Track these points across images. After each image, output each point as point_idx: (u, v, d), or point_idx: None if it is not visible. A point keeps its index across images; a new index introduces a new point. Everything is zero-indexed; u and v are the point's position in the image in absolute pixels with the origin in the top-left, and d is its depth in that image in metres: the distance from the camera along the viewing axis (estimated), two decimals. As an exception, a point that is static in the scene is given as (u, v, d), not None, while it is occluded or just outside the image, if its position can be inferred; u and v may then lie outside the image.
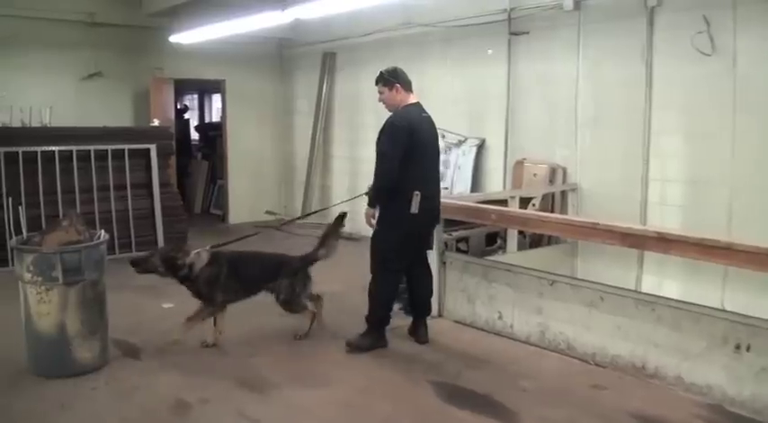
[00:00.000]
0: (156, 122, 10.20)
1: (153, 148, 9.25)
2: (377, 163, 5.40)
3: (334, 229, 6.02)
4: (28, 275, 4.81)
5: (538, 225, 5.92)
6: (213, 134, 13.90)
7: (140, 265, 5.48)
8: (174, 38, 10.05)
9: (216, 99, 16.42)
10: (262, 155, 12.26)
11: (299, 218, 8.03)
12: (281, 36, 11.37)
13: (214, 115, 16.90)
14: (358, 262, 6.15)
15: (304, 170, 11.76)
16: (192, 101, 17.67)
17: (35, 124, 9.13)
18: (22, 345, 5.13)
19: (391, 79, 5.50)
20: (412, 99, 5.62)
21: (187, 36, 9.95)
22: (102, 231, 5.29)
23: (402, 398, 4.68)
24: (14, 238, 5.39)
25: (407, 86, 5.59)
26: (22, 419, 4.27)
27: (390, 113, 5.56)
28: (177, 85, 11.78)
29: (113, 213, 8.81)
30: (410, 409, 4.50)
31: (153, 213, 9.26)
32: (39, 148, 8.59)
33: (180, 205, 9.73)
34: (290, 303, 5.73)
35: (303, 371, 5.18)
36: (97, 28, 10.35)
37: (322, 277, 6.07)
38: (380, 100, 5.61)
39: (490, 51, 8.42)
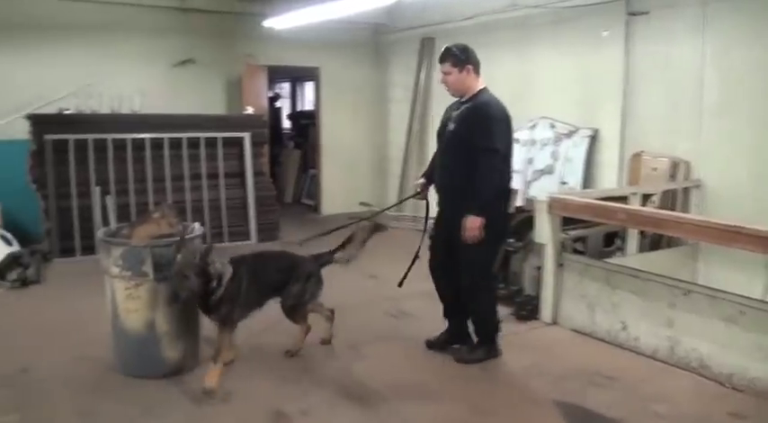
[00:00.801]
0: (249, 110, 9.93)
1: (247, 136, 9.02)
2: (486, 161, 4.61)
3: (364, 237, 5.29)
4: (116, 269, 4.51)
5: (674, 227, 5.18)
6: (306, 123, 13.65)
7: (178, 297, 4.38)
8: (268, 22, 9.71)
9: (308, 87, 16.16)
10: (355, 144, 11.83)
11: (379, 212, 7.50)
12: (376, 22, 10.96)
13: (306, 103, 16.64)
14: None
15: (399, 160, 11.29)
16: (282, 89, 17.45)
17: (125, 111, 8.94)
18: (109, 340, 4.88)
19: (463, 59, 4.77)
20: (482, 84, 4.92)
21: (281, 21, 9.61)
22: (197, 224, 4.96)
23: (522, 420, 4.17)
24: (101, 229, 5.10)
25: (478, 69, 4.89)
26: None
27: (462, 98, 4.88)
28: (270, 73, 11.48)
29: (205, 202, 8.60)
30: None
31: (245, 203, 9.02)
32: (129, 136, 8.46)
33: (273, 195, 9.54)
34: (296, 311, 4.97)
35: (407, 381, 4.72)
36: (189, 14, 10.08)
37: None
38: (444, 82, 4.85)
39: (605, 33, 7.76)
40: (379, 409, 4.25)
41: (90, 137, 8.30)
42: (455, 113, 4.83)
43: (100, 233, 4.81)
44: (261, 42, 10.58)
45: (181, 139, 8.71)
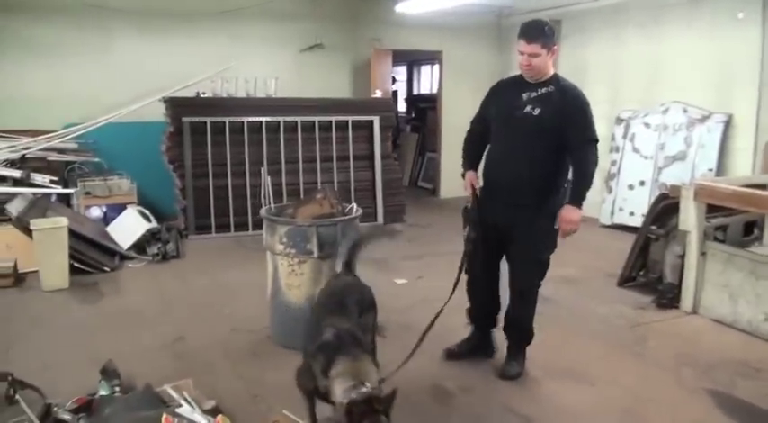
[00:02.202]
0: (378, 94, 10.10)
1: (376, 120, 9.18)
2: (591, 152, 4.19)
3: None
4: (280, 247, 4.72)
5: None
6: (424, 106, 13.71)
7: None
8: (400, 7, 9.83)
9: (425, 70, 16.24)
10: (475, 128, 11.80)
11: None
12: (501, 4, 10.91)
13: (422, 87, 16.72)
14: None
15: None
16: (398, 74, 17.58)
17: (260, 95, 9.23)
18: (263, 313, 5.16)
19: (553, 39, 4.22)
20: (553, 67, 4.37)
21: (411, 5, 9.72)
22: (355, 205, 5.13)
23: (680, 407, 4.16)
24: (264, 207, 5.33)
25: None
26: (277, 395, 4.12)
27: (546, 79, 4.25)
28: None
29: (335, 184, 8.79)
30: (691, 420, 3.99)
31: (374, 185, 9.20)
32: (263, 119, 8.75)
33: (400, 178, 9.70)
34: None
35: (559, 363, 4.77)
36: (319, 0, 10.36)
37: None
38: (528, 63, 4.17)
39: (741, 14, 7.58)
40: (533, 390, 4.35)
41: (226, 119, 8.63)
42: (529, 95, 4.25)
43: (264, 211, 5.02)
44: (386, 27, 10.75)
45: (313, 122, 8.95)
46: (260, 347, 4.95)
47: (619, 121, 9.11)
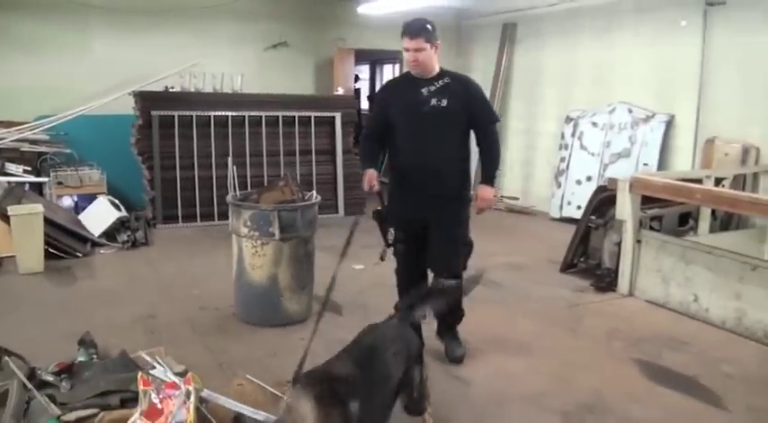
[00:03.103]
0: (340, 91, 10.51)
1: (338, 116, 9.57)
2: (494, 132, 4.66)
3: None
4: (245, 230, 5.12)
5: (747, 207, 5.58)
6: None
7: None
8: (363, 9, 10.24)
9: (387, 69, 16.64)
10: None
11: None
12: (459, 7, 11.34)
13: (385, 84, 17.11)
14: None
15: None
16: (361, 72, 17.94)
17: (226, 90, 9.58)
18: (229, 293, 5.54)
19: (435, 35, 4.38)
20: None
21: (372, 7, 10.13)
22: (314, 192, 5.54)
23: (607, 372, 4.63)
24: (230, 194, 5.72)
25: None
26: (241, 363, 4.52)
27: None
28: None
29: (298, 177, 9.15)
30: (617, 384, 4.44)
31: (335, 178, 9.58)
32: (229, 113, 9.11)
33: (356, 172, 10.01)
34: (422, 403, 3.50)
35: (500, 337, 5.21)
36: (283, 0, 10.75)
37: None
38: (415, 59, 4.36)
39: (684, 23, 8.08)
40: (477, 358, 4.76)
41: (194, 113, 8.96)
42: (429, 89, 4.41)
43: (230, 198, 5.42)
44: (349, 27, 11.16)
45: (277, 117, 9.32)
46: (225, 323, 5.35)
47: (568, 120, 9.59)
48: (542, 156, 10.11)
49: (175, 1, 9.96)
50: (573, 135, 9.50)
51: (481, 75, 11.50)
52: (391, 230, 4.60)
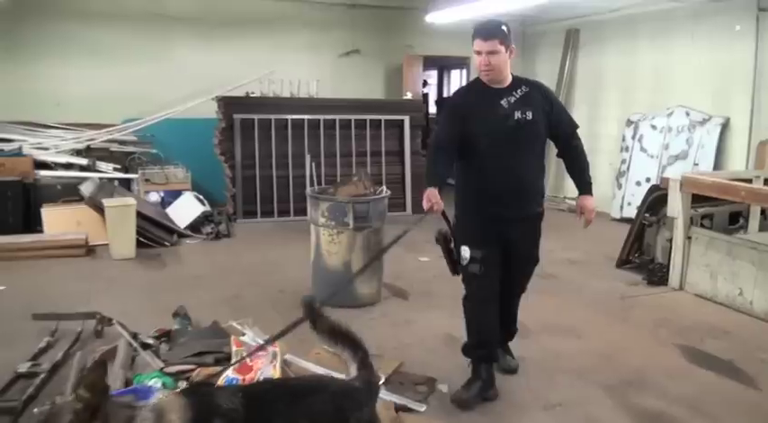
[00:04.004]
0: (409, 96, 11.04)
1: (406, 119, 10.10)
2: (580, 139, 4.33)
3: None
4: (322, 220, 5.70)
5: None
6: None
7: None
8: (430, 17, 10.73)
9: (455, 74, 17.10)
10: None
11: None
12: (524, 13, 11.72)
13: (452, 90, 17.53)
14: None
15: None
16: (429, 77, 18.42)
17: (302, 95, 10.20)
18: (305, 279, 6.12)
19: (510, 38, 3.98)
20: None
21: (439, 16, 10.60)
22: (385, 187, 6.07)
23: (650, 355, 5.02)
24: (309, 188, 6.30)
25: None
26: (313, 338, 4.97)
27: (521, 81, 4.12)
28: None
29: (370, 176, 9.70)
30: (658, 364, 4.82)
31: (403, 178, 10.10)
32: (305, 117, 9.75)
33: (424, 173, 10.48)
34: None
35: (553, 323, 5.63)
36: (356, 9, 11.33)
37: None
38: (487, 62, 3.92)
39: (738, 28, 8.34)
40: (531, 339, 5.20)
41: (272, 117, 9.62)
42: (509, 101, 4.00)
43: (309, 191, 6.01)
44: (418, 34, 11.68)
45: (350, 120, 9.91)
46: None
47: (629, 123, 9.91)
48: (604, 158, 10.42)
49: (254, 12, 10.67)
50: (633, 138, 9.81)
51: (545, 80, 11.84)
52: (464, 248, 4.13)
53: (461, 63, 12.96)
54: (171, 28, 10.38)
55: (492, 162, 4.02)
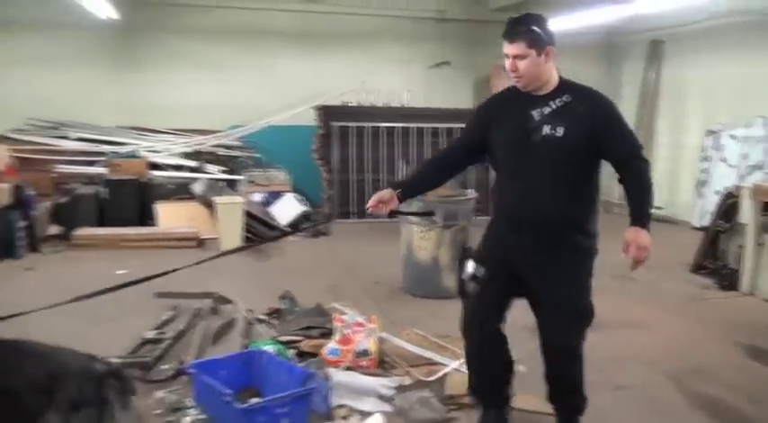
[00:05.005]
0: (496, 105, 11.55)
1: (493, 127, 10.62)
2: (644, 167, 3.43)
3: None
4: (414, 218, 6.29)
5: None
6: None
7: None
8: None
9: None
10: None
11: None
12: (608, 25, 11.95)
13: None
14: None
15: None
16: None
17: (395, 105, 10.90)
18: (397, 273, 6.76)
19: (544, 38, 3.35)
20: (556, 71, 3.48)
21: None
22: (473, 190, 6.66)
23: (713, 350, 5.43)
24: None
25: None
26: (408, 321, 5.65)
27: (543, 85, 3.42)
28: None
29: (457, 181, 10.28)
30: (722, 359, 5.21)
31: (487, 184, 10.58)
32: (397, 125, 10.48)
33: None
34: None
35: (625, 318, 6.04)
36: (446, 23, 11.96)
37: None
38: (514, 68, 3.37)
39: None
40: (607, 332, 5.56)
41: (367, 124, 10.35)
42: (542, 112, 3.38)
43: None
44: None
45: (438, 128, 10.52)
46: (395, 294, 6.60)
47: (710, 133, 10.18)
48: (686, 167, 10.69)
49: (351, 27, 11.46)
50: (714, 148, 10.08)
51: (630, 90, 12.22)
52: (470, 263, 3.62)
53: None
54: (275, 42, 11.32)
55: (509, 180, 3.53)
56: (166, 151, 10.37)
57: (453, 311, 5.62)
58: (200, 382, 3.90)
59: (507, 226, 3.54)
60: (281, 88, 11.10)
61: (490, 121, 3.57)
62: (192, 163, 10.20)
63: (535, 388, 4.09)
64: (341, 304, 5.48)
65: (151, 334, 5.07)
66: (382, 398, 4.08)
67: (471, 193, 6.73)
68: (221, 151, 10.79)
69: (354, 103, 10.71)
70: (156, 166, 9.95)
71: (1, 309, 4.88)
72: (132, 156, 10.01)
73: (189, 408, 3.96)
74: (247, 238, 8.45)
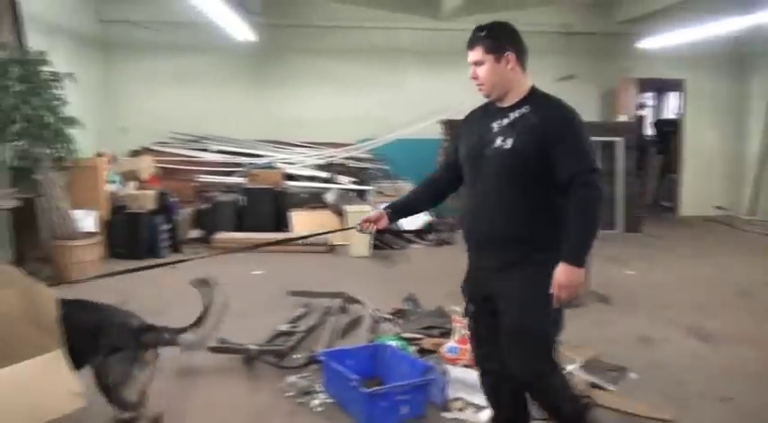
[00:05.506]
0: (623, 118, 11.51)
1: (620, 141, 10.58)
2: (588, 187, 3.02)
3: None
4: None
5: None
6: (667, 130, 14.54)
7: None
8: (642, 43, 11.16)
9: (672, 96, 17.08)
10: (713, 151, 12.72)
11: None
12: (740, 35, 11.63)
13: (669, 112, 17.50)
14: None
15: (754, 168, 12.13)
16: (645, 99, 18.43)
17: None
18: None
19: (502, 42, 3.24)
20: (530, 81, 3.33)
21: (653, 41, 11.00)
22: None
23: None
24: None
25: (524, 58, 3.33)
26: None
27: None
28: (638, 85, 12.84)
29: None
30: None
31: (614, 197, 10.59)
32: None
33: (639, 193, 10.96)
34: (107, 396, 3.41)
35: (742, 332, 5.96)
36: (572, 36, 12.01)
37: None
38: (474, 76, 3.28)
39: None
40: (713, 343, 5.65)
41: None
42: (500, 123, 3.22)
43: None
44: (633, 58, 12.09)
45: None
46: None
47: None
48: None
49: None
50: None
51: (758, 103, 11.99)
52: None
53: (677, 85, 13.13)
54: (402, 59, 11.80)
55: (467, 196, 3.36)
56: (300, 163, 10.98)
57: (571, 320, 5.75)
58: (330, 369, 4.28)
59: (469, 246, 3.42)
60: (409, 103, 11.53)
61: (459, 136, 3.49)
62: (324, 174, 10.77)
63: (645, 395, 4.36)
64: (461, 308, 5.73)
65: (285, 327, 5.54)
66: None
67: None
68: (352, 163, 11.26)
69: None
70: (290, 177, 10.60)
71: (148, 301, 5.53)
72: (269, 167, 10.74)
73: (318, 392, 4.38)
74: (375, 245, 8.82)
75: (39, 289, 3.44)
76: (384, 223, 3.61)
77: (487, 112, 3.33)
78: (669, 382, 4.73)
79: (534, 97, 3.23)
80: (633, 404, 4.29)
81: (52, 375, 3.17)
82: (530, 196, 3.14)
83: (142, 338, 3.47)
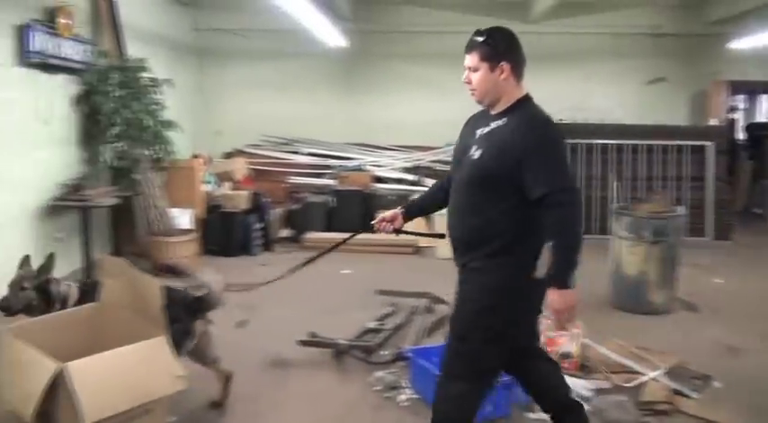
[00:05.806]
0: (713, 122, 11.30)
1: (710, 145, 10.39)
2: (561, 213, 3.02)
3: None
4: (623, 232, 6.51)
5: None
6: (759, 134, 14.24)
7: (10, 307, 3.95)
8: (733, 45, 10.93)
9: (763, 100, 16.62)
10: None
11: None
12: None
13: (761, 116, 17.03)
14: None
15: None
16: (737, 102, 17.91)
17: (609, 121, 10.94)
18: (603, 285, 6.91)
19: (499, 51, 3.24)
20: (523, 90, 3.33)
21: (745, 42, 10.73)
22: (683, 207, 6.74)
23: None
24: (613, 204, 7.11)
25: (520, 69, 3.34)
26: (607, 333, 5.72)
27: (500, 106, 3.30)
28: (728, 87, 12.52)
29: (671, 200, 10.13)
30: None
31: (704, 203, 10.40)
32: (611, 141, 10.51)
33: (729, 199, 10.70)
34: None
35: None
36: (661, 38, 11.79)
37: None
38: (467, 79, 3.31)
39: None
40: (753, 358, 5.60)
41: (581, 142, 10.46)
42: (482, 131, 3.29)
43: (614, 206, 6.84)
44: (725, 60, 11.82)
45: (653, 145, 10.46)
46: (602, 307, 6.71)
47: None
48: None
49: (565, 46, 11.60)
50: None
51: None
52: None
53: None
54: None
55: (450, 200, 3.44)
56: (389, 166, 11.22)
57: (657, 326, 5.84)
58: (417, 366, 4.46)
59: (453, 249, 3.47)
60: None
61: (459, 139, 3.53)
62: (412, 176, 10.99)
63: (728, 404, 4.44)
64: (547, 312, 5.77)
65: (373, 324, 5.79)
66: (581, 397, 4.34)
67: (681, 211, 6.76)
68: (438, 166, 11.35)
69: (568, 120, 10.89)
70: (379, 179, 10.88)
71: (240, 295, 5.84)
72: (358, 169, 11.04)
73: (404, 387, 4.59)
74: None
75: (146, 279, 3.80)
76: (399, 223, 3.76)
77: (482, 117, 3.39)
78: (754, 393, 4.71)
79: (515, 109, 3.22)
80: (715, 412, 4.32)
81: (157, 359, 3.51)
82: (492, 207, 3.16)
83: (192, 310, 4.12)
